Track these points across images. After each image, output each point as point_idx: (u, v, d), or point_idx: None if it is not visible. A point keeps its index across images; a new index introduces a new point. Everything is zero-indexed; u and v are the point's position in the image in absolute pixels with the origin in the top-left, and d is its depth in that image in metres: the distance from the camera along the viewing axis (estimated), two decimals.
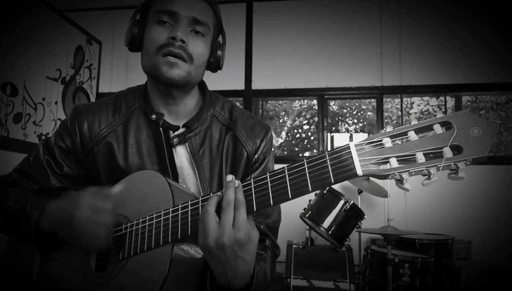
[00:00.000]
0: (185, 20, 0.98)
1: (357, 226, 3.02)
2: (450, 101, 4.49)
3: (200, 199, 0.80)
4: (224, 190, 0.75)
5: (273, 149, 1.20)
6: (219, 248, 0.72)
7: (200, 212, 0.78)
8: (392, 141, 0.65)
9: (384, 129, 0.66)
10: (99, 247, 0.88)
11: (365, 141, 0.66)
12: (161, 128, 1.03)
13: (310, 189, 0.69)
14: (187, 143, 1.05)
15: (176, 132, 1.05)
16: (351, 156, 0.66)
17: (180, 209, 0.81)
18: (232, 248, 0.71)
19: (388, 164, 0.63)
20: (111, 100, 1.11)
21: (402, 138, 0.64)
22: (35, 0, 2.86)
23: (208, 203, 0.75)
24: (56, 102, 3.13)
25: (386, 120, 4.65)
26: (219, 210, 0.74)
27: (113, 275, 0.88)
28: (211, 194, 0.78)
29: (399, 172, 0.62)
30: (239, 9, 4.57)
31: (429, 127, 0.63)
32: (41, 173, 1.05)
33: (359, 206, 3.09)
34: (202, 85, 1.15)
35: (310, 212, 3.00)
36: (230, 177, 0.76)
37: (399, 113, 4.51)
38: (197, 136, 1.06)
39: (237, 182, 0.75)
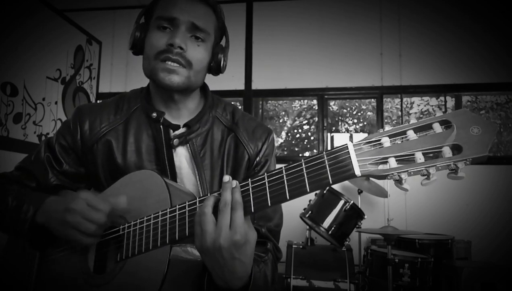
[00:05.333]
0: (184, 25, 0.98)
1: (357, 226, 3.02)
2: (450, 101, 4.48)
3: (198, 199, 0.79)
4: (221, 191, 0.75)
5: (275, 151, 1.20)
6: (216, 250, 0.71)
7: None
8: (391, 141, 0.64)
9: (383, 128, 0.66)
10: (83, 243, 0.88)
11: (364, 141, 0.65)
12: (161, 126, 1.03)
13: (308, 190, 0.68)
14: (188, 144, 1.05)
15: (176, 132, 1.05)
16: (349, 156, 0.65)
17: (177, 210, 0.81)
18: (230, 250, 0.71)
19: (387, 164, 0.63)
20: (114, 100, 1.12)
21: (401, 138, 0.64)
22: (35, 0, 2.86)
23: (205, 205, 0.74)
24: (56, 102, 3.13)
25: (386, 120, 4.65)
26: (216, 211, 0.73)
27: (112, 276, 0.88)
28: (209, 194, 0.78)
29: (398, 172, 0.61)
30: (239, 9, 4.57)
31: (428, 126, 0.62)
32: (40, 170, 1.06)
33: (359, 206, 3.08)
34: (204, 88, 1.15)
35: (310, 212, 3.00)
36: (227, 178, 0.75)
37: (399, 113, 4.50)
38: (199, 137, 1.06)
39: (235, 183, 0.75)
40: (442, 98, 4.50)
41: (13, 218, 0.96)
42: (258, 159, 1.10)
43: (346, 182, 3.69)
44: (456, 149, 0.59)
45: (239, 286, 0.78)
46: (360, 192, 3.60)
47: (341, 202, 2.96)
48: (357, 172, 0.64)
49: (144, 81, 1.14)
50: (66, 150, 1.07)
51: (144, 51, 1.03)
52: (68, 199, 0.90)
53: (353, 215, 2.98)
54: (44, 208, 0.94)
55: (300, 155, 5.51)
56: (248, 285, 0.79)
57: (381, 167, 0.63)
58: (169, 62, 0.97)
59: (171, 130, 1.05)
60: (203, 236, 0.72)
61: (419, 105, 5.23)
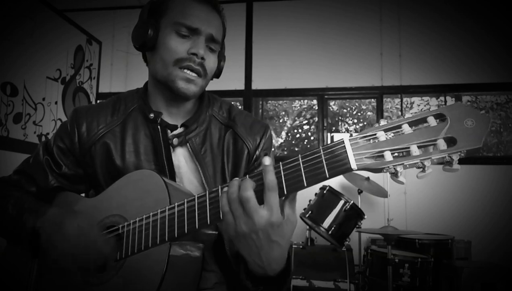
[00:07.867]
0: (204, 36, 1.00)
1: (357, 226, 3.01)
2: (450, 101, 4.48)
3: (196, 196, 0.79)
4: (262, 174, 0.71)
5: (273, 149, 1.21)
6: (252, 233, 0.70)
7: (196, 209, 0.77)
8: (386, 134, 0.64)
9: (378, 123, 0.66)
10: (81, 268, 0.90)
11: (359, 135, 0.66)
12: (159, 127, 1.04)
13: (305, 184, 0.69)
14: (188, 144, 1.05)
15: (174, 132, 1.06)
16: (346, 150, 0.66)
17: (176, 207, 0.81)
18: (266, 232, 0.70)
19: (382, 157, 0.63)
20: (111, 102, 1.12)
21: (396, 132, 0.64)
22: (35, 0, 2.86)
23: (244, 188, 0.70)
24: (56, 102, 3.13)
25: None
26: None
27: (111, 275, 0.88)
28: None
29: (393, 165, 0.62)
30: (239, 9, 4.58)
31: (423, 120, 0.63)
32: (40, 173, 1.06)
33: (359, 206, 3.08)
34: None
35: (310, 212, 3.00)
36: (267, 160, 0.71)
37: (399, 113, 4.51)
38: (197, 136, 1.07)
39: (267, 160, 0.71)
40: (442, 98, 4.50)
41: (14, 227, 0.96)
42: (257, 153, 1.11)
43: (346, 182, 3.69)
44: (451, 141, 0.60)
45: (276, 271, 0.77)
46: (360, 192, 3.60)
47: (341, 202, 2.96)
48: (353, 165, 0.65)
49: (144, 81, 1.14)
50: (65, 152, 1.07)
51: (157, 53, 1.02)
52: (58, 225, 0.90)
53: (353, 215, 2.97)
54: (41, 224, 0.93)
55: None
56: (285, 269, 0.78)
57: (377, 160, 0.64)
58: (188, 71, 0.98)
59: (169, 130, 1.06)
60: (239, 221, 0.70)
61: (419, 105, 5.23)
